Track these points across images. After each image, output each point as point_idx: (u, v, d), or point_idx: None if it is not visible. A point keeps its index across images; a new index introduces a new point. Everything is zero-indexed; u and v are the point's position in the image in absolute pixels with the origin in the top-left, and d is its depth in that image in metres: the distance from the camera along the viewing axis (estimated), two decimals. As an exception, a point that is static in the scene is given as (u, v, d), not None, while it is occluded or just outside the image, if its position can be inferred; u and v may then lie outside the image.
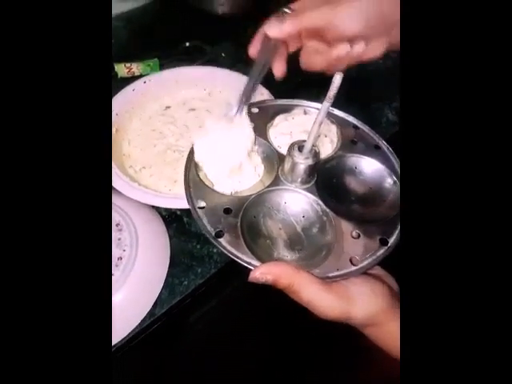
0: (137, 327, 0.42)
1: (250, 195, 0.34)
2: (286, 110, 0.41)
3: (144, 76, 0.60)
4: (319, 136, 0.39)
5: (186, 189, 0.34)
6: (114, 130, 0.54)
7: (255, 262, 0.29)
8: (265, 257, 0.30)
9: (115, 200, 0.46)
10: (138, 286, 0.41)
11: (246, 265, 0.29)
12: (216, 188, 0.34)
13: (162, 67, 0.66)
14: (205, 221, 0.32)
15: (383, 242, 0.31)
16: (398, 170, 0.36)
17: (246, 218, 0.33)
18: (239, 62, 0.60)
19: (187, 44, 0.72)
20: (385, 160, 0.37)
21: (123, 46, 0.72)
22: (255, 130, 0.38)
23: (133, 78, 0.59)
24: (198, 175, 0.35)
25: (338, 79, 0.27)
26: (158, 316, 0.43)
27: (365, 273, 0.30)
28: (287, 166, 0.34)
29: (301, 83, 0.62)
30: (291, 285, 0.27)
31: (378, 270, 0.32)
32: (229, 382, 0.62)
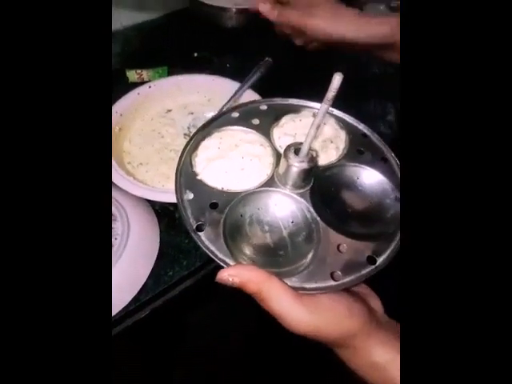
0: (122, 311, 0.43)
1: (240, 192, 0.32)
2: (295, 110, 0.39)
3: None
4: (325, 141, 0.37)
5: (176, 178, 0.33)
6: (117, 129, 0.57)
7: (230, 261, 0.28)
8: (240, 258, 0.29)
9: (112, 193, 0.47)
10: (124, 273, 0.43)
11: (219, 262, 0.28)
12: (207, 182, 0.33)
13: (170, 74, 0.68)
14: (188, 212, 0.31)
15: (371, 261, 0.29)
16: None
17: (232, 215, 0.31)
18: (242, 72, 0.61)
19: (195, 54, 0.76)
20: (390, 174, 0.34)
21: (135, 53, 0.76)
22: (260, 127, 0.37)
23: (142, 83, 0.62)
24: (192, 166, 0.34)
25: (337, 80, 0.25)
26: (142, 302, 0.44)
27: (347, 289, 0.28)
28: (282, 167, 0.32)
29: (294, 90, 0.61)
30: (259, 292, 0.25)
31: (362, 288, 0.30)
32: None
